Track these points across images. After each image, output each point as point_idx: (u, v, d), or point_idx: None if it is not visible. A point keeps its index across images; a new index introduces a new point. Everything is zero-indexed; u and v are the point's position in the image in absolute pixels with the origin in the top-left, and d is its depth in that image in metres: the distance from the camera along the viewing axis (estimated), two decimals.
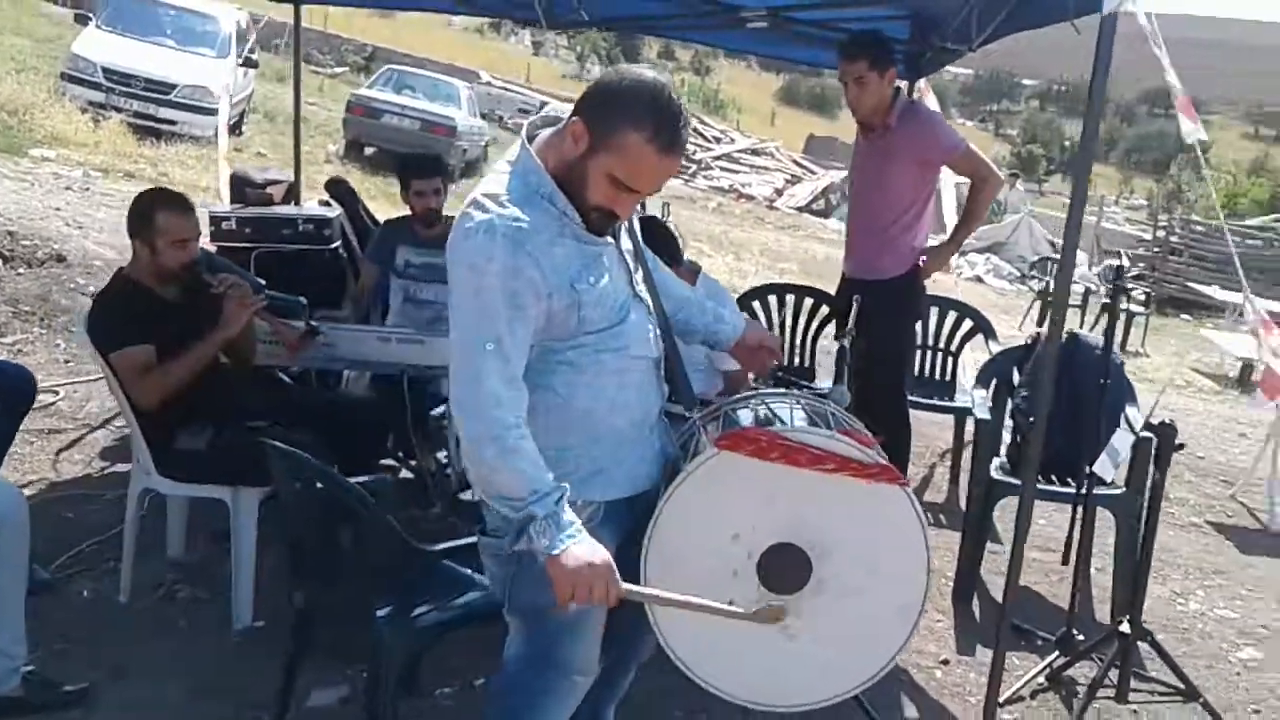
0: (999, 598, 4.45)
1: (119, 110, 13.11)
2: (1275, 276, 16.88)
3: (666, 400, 2.47)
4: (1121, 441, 3.67)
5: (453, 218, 4.96)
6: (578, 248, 2.16)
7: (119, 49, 13.63)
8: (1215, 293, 10.84)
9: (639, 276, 2.40)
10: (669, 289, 2.58)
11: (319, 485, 2.71)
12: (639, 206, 2.69)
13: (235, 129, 15.13)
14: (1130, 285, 12.01)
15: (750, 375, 3.10)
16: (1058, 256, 16.05)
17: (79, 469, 4.65)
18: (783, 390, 2.68)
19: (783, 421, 2.37)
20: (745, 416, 2.48)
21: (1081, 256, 18.84)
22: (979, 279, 17.06)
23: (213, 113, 13.91)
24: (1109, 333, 3.72)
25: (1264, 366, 4.39)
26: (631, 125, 2.06)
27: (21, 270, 6.83)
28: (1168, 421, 3.38)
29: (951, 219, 4.79)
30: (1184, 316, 15.06)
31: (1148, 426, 3.41)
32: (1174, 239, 17.38)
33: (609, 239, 2.27)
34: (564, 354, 2.20)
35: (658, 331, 2.40)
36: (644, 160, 2.08)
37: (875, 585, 2.30)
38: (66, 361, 5.81)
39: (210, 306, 3.74)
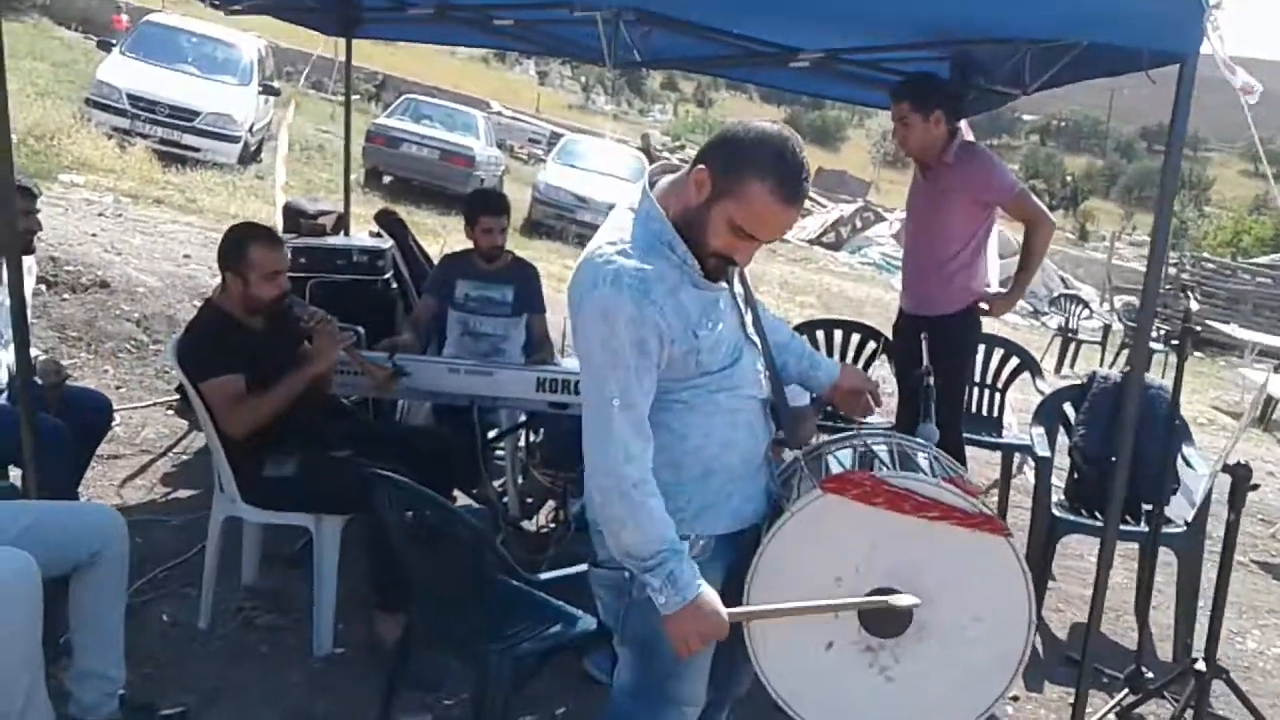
0: (1059, 634, 4.53)
1: (144, 136, 13.23)
2: None
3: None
4: (1195, 481, 3.71)
5: (510, 254, 5.09)
6: (697, 294, 2.22)
7: (143, 76, 13.76)
8: (1235, 331, 10.89)
9: (749, 319, 2.46)
10: (772, 332, 2.64)
11: (430, 514, 2.75)
12: None
13: (255, 156, 15.25)
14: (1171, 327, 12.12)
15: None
16: (1075, 293, 16.19)
17: (142, 494, 4.69)
18: (884, 431, 2.72)
19: (885, 465, 2.41)
20: (846, 457, 2.52)
21: (1091, 293, 18.97)
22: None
23: (235, 139, 14.08)
24: (1178, 372, 3.78)
25: None
26: (756, 175, 2.11)
27: (66, 296, 6.87)
28: (1242, 462, 3.42)
29: (994, 265, 4.84)
30: (1198, 354, 15.14)
31: (1224, 467, 3.45)
32: (1184, 276, 17.47)
33: (724, 284, 2.33)
34: (680, 394, 2.26)
35: (767, 373, 2.46)
36: (767, 209, 2.14)
37: (976, 633, 2.30)
38: (118, 388, 5.84)
39: (295, 340, 3.81)
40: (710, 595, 2.17)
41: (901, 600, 2.22)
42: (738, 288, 2.44)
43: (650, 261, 2.15)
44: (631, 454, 2.12)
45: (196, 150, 13.60)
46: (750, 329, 2.43)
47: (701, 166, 2.18)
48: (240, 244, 3.63)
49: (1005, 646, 2.32)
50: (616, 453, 2.11)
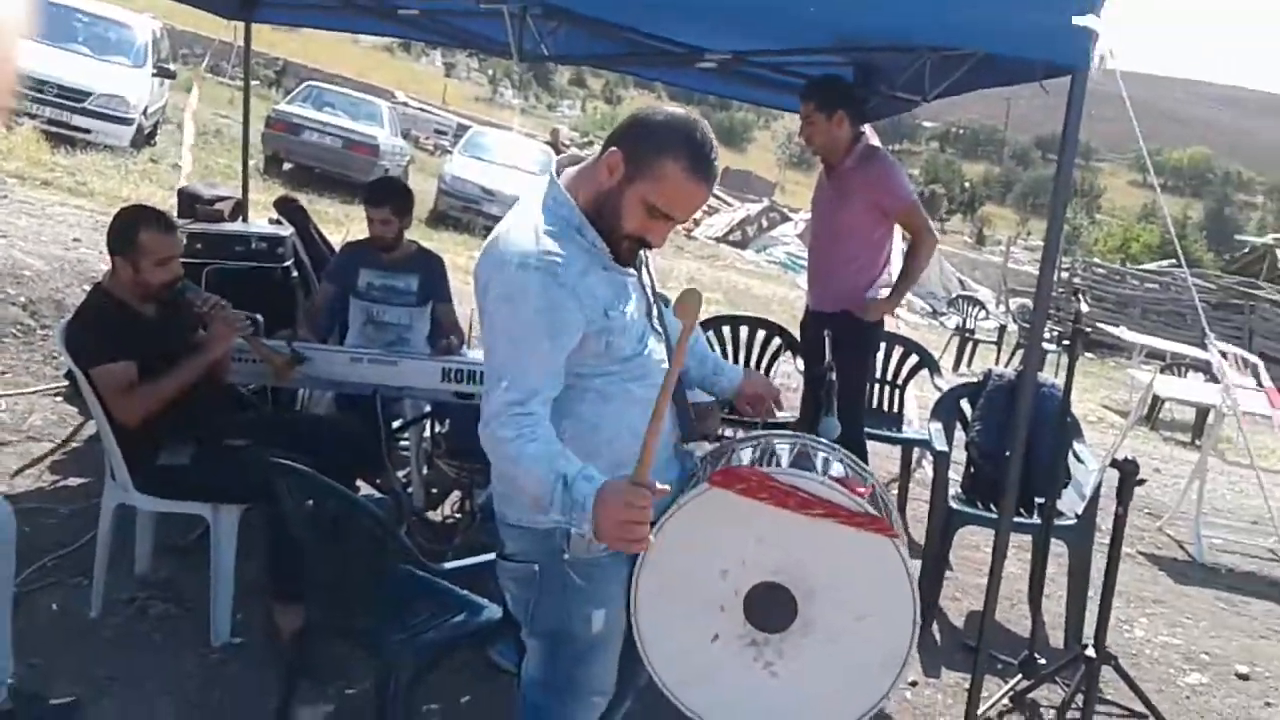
0: (955, 622, 4.64)
1: (31, 116, 12.74)
2: (1170, 318, 17.68)
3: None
4: (1086, 476, 3.83)
5: (414, 243, 5.03)
6: (607, 277, 2.22)
7: (32, 54, 13.19)
8: (1124, 334, 11.28)
9: (655, 311, 2.47)
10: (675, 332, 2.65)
11: (331, 504, 2.70)
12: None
13: (148, 139, 14.82)
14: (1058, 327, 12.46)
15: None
16: (972, 295, 16.59)
17: (30, 482, 4.52)
18: (789, 432, 2.74)
19: (779, 463, 2.42)
20: (747, 455, 2.53)
21: (987, 294, 19.46)
22: (894, 315, 17.44)
23: (128, 122, 13.65)
24: (1069, 372, 3.90)
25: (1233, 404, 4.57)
26: (670, 155, 2.14)
27: None
28: (1130, 458, 3.55)
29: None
30: (1089, 355, 15.64)
31: (1112, 463, 3.56)
32: (1076, 280, 18.02)
33: (632, 270, 2.34)
34: (592, 381, 2.25)
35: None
36: (680, 188, 2.16)
37: (860, 631, 2.30)
38: (3, 373, 5.63)
39: (188, 326, 3.71)
40: (610, 485, 2.03)
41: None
42: (645, 278, 2.45)
43: (559, 245, 2.14)
44: (510, 417, 2.08)
45: (87, 132, 13.12)
46: (656, 320, 2.44)
47: (614, 149, 2.19)
48: (130, 228, 3.51)
49: (890, 646, 2.31)
50: (496, 421, 2.09)
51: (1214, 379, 9.28)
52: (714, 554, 2.27)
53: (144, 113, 14.14)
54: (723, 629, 2.30)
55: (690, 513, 2.26)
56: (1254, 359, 7.00)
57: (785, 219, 24.61)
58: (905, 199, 4.62)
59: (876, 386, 5.89)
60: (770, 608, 2.29)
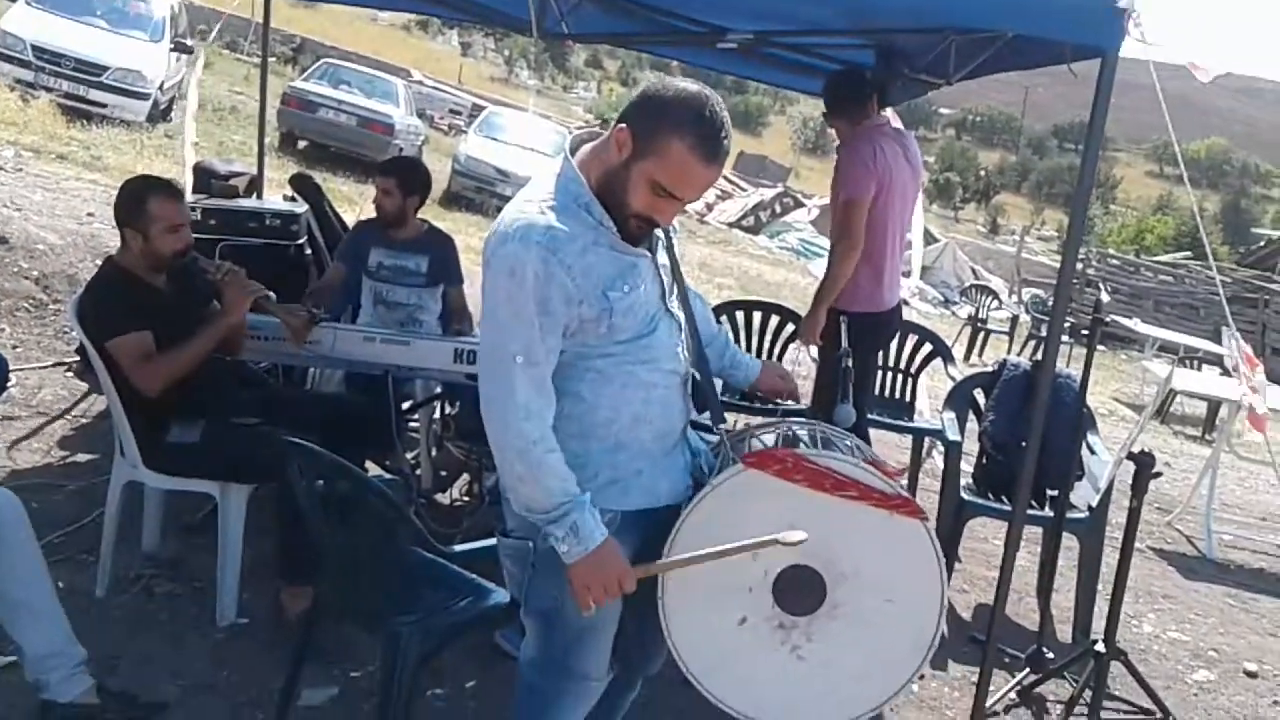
0: (963, 615, 4.62)
1: (48, 90, 12.75)
2: (1184, 311, 17.57)
3: (696, 412, 2.52)
4: (1099, 469, 3.80)
5: (425, 223, 5.01)
6: (612, 256, 2.20)
7: (49, 27, 13.25)
8: (1138, 326, 11.20)
9: (674, 293, 2.44)
10: (698, 321, 2.62)
11: (341, 484, 2.69)
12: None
13: (165, 115, 14.82)
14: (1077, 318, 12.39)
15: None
16: (985, 284, 16.51)
17: (38, 458, 4.52)
18: (807, 420, 2.73)
19: (807, 446, 2.41)
20: (770, 439, 2.52)
21: (1000, 284, 19.38)
22: (905, 303, 17.38)
23: (145, 97, 13.64)
24: (1087, 363, 3.86)
25: (1247, 402, 4.53)
26: (676, 133, 2.10)
27: None
28: (1146, 451, 3.51)
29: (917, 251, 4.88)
30: (1101, 348, 15.53)
31: (1128, 455, 3.53)
32: (1090, 271, 17.91)
33: (645, 251, 2.30)
34: (593, 361, 2.23)
35: (686, 348, 2.44)
36: (687, 167, 2.12)
37: (889, 614, 2.31)
38: (14, 348, 5.63)
39: (202, 297, 3.70)
40: (613, 547, 2.17)
41: (790, 536, 2.19)
42: (663, 258, 2.42)
43: (564, 221, 2.13)
44: (531, 411, 2.10)
45: (103, 106, 13.14)
46: (672, 302, 2.41)
47: (623, 125, 2.16)
48: (138, 197, 3.49)
49: (917, 629, 2.32)
50: (516, 410, 2.09)
51: (1228, 372, 9.25)
52: (744, 536, 2.25)
53: (160, 88, 14.15)
54: (750, 611, 2.31)
55: (722, 494, 2.26)
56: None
57: (799, 205, 24.52)
58: (839, 194, 4.44)
59: (889, 375, 5.86)
60: (799, 590, 2.30)
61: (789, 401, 3.07)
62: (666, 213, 2.22)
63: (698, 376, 2.53)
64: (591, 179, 2.20)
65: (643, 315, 2.26)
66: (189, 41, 15.73)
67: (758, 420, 2.68)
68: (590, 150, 2.26)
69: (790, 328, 5.71)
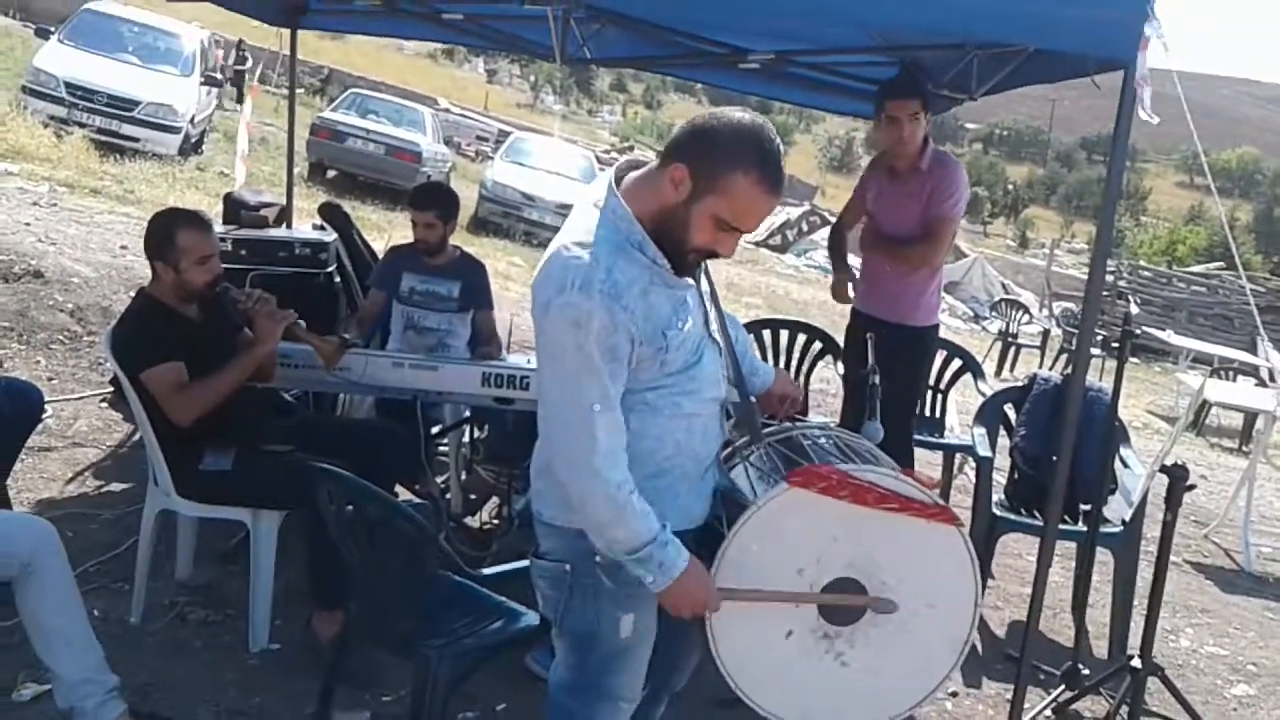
0: (997, 632, 4.58)
1: (82, 126, 12.96)
2: (1218, 322, 17.40)
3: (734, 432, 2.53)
4: (1132, 482, 3.77)
5: (458, 249, 5.04)
6: (668, 293, 2.20)
7: (82, 64, 13.48)
8: (1170, 338, 11.11)
9: (714, 318, 2.44)
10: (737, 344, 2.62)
11: (371, 509, 2.71)
12: None
13: (196, 148, 15.02)
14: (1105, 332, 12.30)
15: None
16: (1015, 299, 16.42)
17: (74, 487, 4.58)
18: (822, 427, 2.74)
19: (835, 458, 2.44)
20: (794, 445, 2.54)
21: (1030, 298, 19.27)
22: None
23: (176, 131, 13.84)
24: (1118, 375, 3.84)
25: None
26: (739, 168, 2.09)
27: None
28: (1179, 463, 3.48)
29: None
30: (1134, 360, 15.41)
31: (1161, 468, 3.50)
32: (1122, 283, 17.78)
33: (690, 281, 2.31)
34: (642, 394, 2.23)
35: (726, 373, 2.45)
36: (752, 200, 2.12)
37: (929, 618, 2.38)
38: (50, 379, 5.71)
39: (233, 326, 3.75)
40: (698, 570, 2.21)
41: (877, 595, 2.32)
42: (703, 285, 2.43)
43: (620, 264, 2.11)
44: (615, 457, 2.13)
45: (136, 140, 13.34)
46: (714, 327, 2.42)
47: (679, 165, 2.13)
48: (167, 231, 3.55)
49: (954, 630, 2.42)
50: (601, 458, 2.10)
51: (1263, 383, 9.14)
52: (791, 552, 2.32)
53: (191, 121, 14.34)
54: (796, 625, 2.36)
55: (769, 513, 2.29)
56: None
57: (826, 222, 24.46)
58: (959, 212, 4.44)
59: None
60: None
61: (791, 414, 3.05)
62: (728, 245, 2.22)
63: (736, 399, 2.54)
64: (643, 216, 2.17)
65: (691, 346, 2.28)
66: (218, 75, 15.96)
67: (770, 430, 2.65)
68: (637, 182, 2.23)
69: (819, 345, 5.70)
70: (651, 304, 2.14)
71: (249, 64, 22.05)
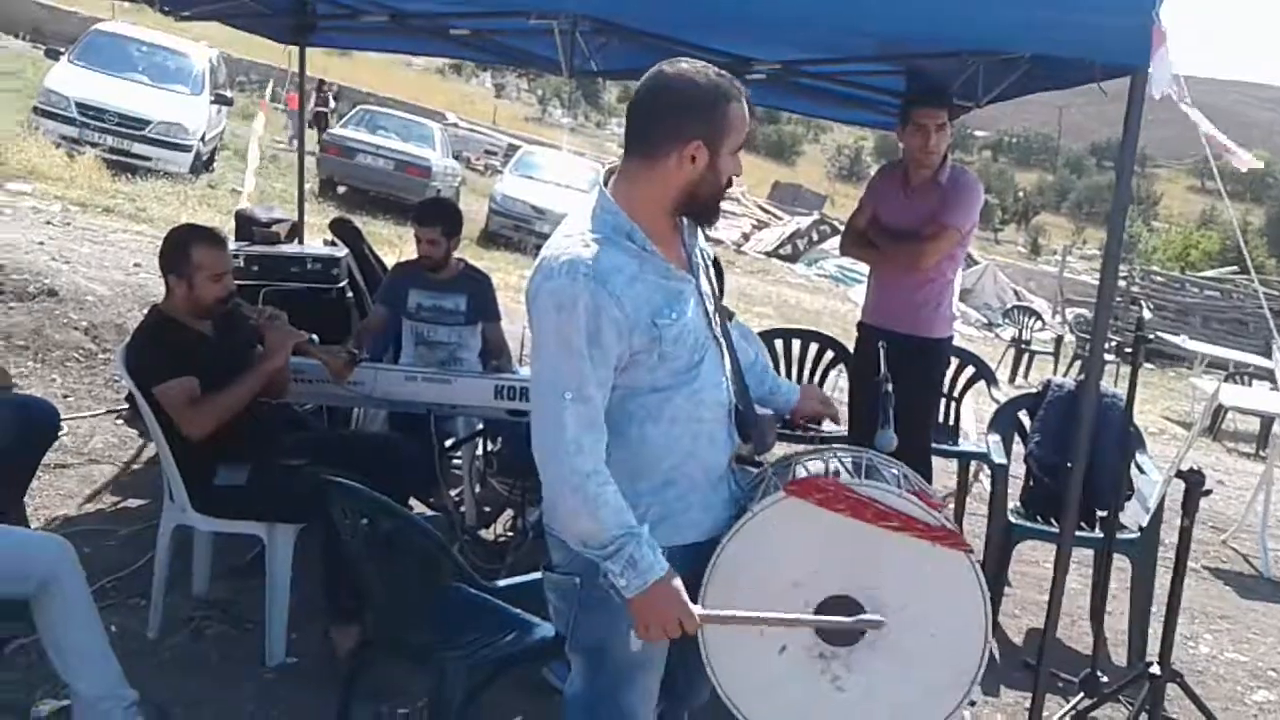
0: (1015, 639, 4.55)
1: (93, 145, 13.06)
2: (1232, 326, 17.33)
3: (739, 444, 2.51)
4: (1149, 488, 3.75)
5: (462, 262, 5.06)
6: (659, 284, 2.21)
7: (92, 84, 13.59)
8: (1185, 343, 11.07)
9: (717, 320, 2.44)
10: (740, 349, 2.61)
11: (385, 522, 2.71)
12: None
13: (207, 166, 15.10)
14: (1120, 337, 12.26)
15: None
16: (1028, 305, 16.38)
17: (91, 504, 4.60)
18: (856, 447, 2.69)
19: (850, 474, 2.38)
20: (815, 467, 2.50)
21: (1043, 305, 19.21)
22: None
23: (187, 149, 13.92)
24: (1132, 380, 3.82)
25: None
26: (725, 101, 2.18)
27: (13, 304, 6.74)
28: (1195, 468, 3.46)
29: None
30: (1148, 365, 15.35)
31: (1177, 474, 3.49)
32: (1134, 289, 17.72)
33: (689, 275, 2.31)
34: (644, 399, 2.23)
35: (730, 378, 2.43)
36: (745, 118, 2.22)
37: (930, 647, 2.27)
38: (65, 396, 5.74)
39: (245, 342, 3.76)
40: (675, 583, 2.14)
41: (870, 618, 2.21)
42: (705, 285, 2.42)
43: (607, 251, 2.14)
44: (583, 446, 2.10)
45: (147, 159, 13.44)
46: (716, 329, 2.41)
47: (692, 140, 2.17)
48: (182, 246, 3.58)
49: (959, 663, 2.29)
50: (568, 445, 2.09)
51: (1278, 387, 9.10)
52: (786, 564, 2.26)
53: (202, 139, 14.44)
54: (791, 641, 2.29)
55: (764, 521, 2.24)
56: None
57: (835, 232, 24.43)
58: (971, 226, 4.40)
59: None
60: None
61: (830, 425, 3.04)
62: (738, 164, 2.30)
63: (741, 407, 2.52)
64: (660, 202, 2.23)
65: (691, 342, 2.27)
66: (228, 93, 16.05)
67: (802, 449, 2.64)
68: (630, 179, 2.26)
69: (830, 355, 5.70)
70: (639, 291, 2.15)
71: (333, 106, 22.37)
